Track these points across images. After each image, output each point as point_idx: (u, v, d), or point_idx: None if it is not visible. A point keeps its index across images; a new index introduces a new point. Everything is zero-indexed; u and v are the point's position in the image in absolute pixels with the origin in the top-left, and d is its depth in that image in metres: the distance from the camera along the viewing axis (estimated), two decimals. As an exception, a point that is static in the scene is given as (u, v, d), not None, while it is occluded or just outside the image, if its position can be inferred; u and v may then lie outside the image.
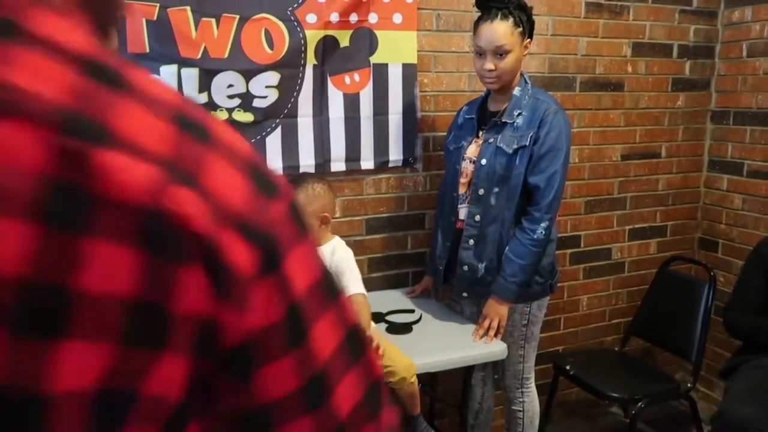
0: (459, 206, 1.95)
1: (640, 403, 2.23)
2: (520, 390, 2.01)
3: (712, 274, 2.44)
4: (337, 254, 1.73)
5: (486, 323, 1.83)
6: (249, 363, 0.37)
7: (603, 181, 2.69)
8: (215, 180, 0.36)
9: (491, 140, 1.86)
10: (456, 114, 2.08)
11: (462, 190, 1.94)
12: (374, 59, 2.13)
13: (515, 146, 1.80)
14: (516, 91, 1.86)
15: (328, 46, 2.06)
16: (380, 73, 2.15)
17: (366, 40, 2.11)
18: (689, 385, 2.35)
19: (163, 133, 0.35)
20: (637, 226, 2.82)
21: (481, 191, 1.87)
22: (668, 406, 2.74)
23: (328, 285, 0.42)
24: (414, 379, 1.68)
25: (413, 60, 2.19)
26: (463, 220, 1.93)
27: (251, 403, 0.38)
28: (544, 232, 1.79)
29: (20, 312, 0.31)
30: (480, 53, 1.80)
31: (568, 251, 2.68)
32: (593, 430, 2.73)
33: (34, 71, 0.32)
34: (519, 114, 1.83)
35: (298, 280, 0.39)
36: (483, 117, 1.96)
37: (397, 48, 2.16)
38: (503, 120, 1.84)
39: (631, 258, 2.84)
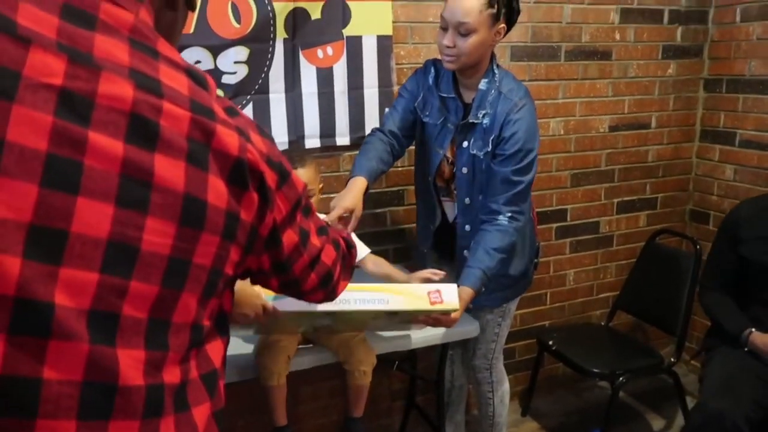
0: (443, 198, 1.86)
1: (621, 378, 2.21)
2: (488, 371, 1.97)
3: (698, 247, 2.39)
4: None
5: None
6: (279, 237, 0.72)
7: (590, 153, 2.63)
8: (254, 137, 0.65)
9: (465, 144, 1.72)
10: (424, 68, 1.81)
11: (440, 183, 1.84)
12: (347, 31, 2.07)
13: (487, 149, 1.68)
14: (482, 84, 1.68)
15: (298, 18, 1.99)
16: (354, 46, 2.09)
17: (338, 12, 2.04)
18: (673, 359, 2.32)
19: (229, 114, 0.64)
20: (625, 198, 2.76)
21: (467, 200, 1.77)
22: (656, 380, 2.71)
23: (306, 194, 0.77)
24: (369, 372, 1.60)
25: (388, 31, 2.12)
26: (454, 220, 1.84)
27: (281, 257, 0.75)
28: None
29: (183, 212, 0.58)
30: (443, 27, 1.64)
31: (554, 225, 2.64)
32: (579, 405, 2.71)
33: (170, 77, 0.59)
34: (485, 114, 1.67)
35: (297, 186, 0.73)
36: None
37: (371, 19, 2.09)
38: (471, 121, 1.69)
39: (620, 231, 2.79)
